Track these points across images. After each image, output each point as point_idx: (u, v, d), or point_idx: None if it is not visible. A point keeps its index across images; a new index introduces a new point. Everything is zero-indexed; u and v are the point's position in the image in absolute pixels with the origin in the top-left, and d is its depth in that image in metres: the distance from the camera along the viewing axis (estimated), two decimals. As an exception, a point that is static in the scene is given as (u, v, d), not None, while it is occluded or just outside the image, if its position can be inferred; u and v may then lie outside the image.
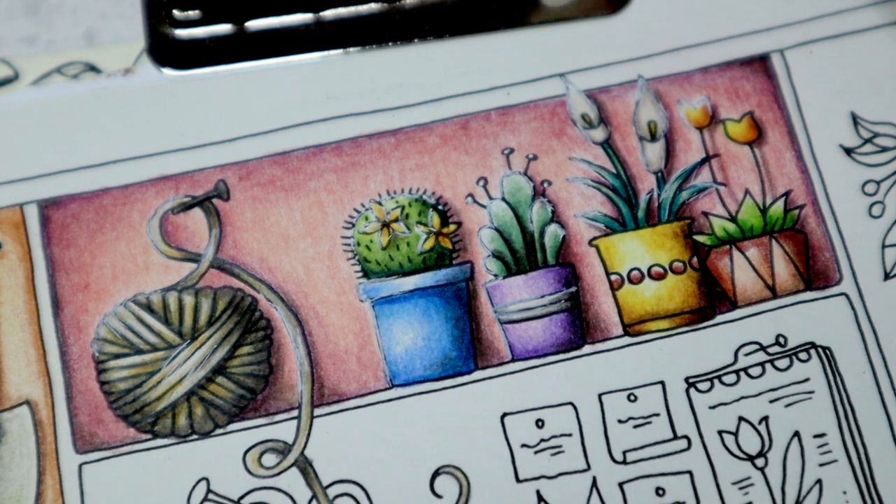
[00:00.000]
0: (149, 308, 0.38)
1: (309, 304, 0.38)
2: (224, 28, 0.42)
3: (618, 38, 0.41)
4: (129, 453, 0.37)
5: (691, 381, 0.37)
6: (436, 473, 0.36)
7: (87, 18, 0.42)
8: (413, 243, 0.39)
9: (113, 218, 0.39)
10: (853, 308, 0.38)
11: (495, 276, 0.38)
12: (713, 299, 0.38)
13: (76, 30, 0.42)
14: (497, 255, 0.39)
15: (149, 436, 0.37)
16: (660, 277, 0.38)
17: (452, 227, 0.39)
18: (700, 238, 0.39)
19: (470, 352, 0.38)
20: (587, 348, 0.38)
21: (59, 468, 0.37)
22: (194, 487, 0.36)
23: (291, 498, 0.36)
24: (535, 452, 0.37)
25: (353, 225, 0.39)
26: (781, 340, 0.37)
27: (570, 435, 0.37)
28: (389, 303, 0.38)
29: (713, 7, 0.42)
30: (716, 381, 0.37)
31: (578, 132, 0.40)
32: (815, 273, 0.38)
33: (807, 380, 0.37)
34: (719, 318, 0.38)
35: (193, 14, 0.41)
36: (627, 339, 0.38)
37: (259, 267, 0.39)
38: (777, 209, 0.39)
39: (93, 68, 0.41)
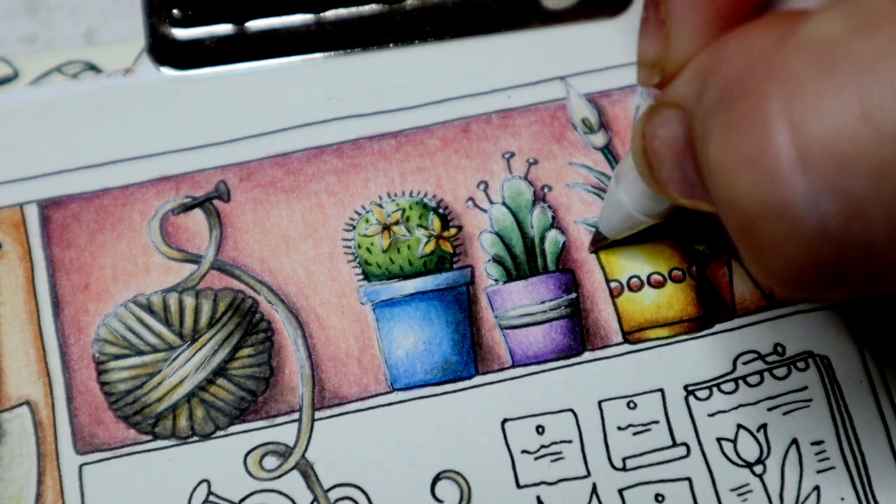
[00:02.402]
0: (149, 309, 0.38)
1: (310, 307, 0.38)
2: (224, 28, 0.41)
3: (619, 42, 0.41)
4: (130, 454, 0.37)
5: (690, 388, 0.37)
6: (437, 478, 0.36)
7: (86, 18, 0.42)
8: (414, 246, 0.39)
9: (113, 218, 0.39)
10: (850, 318, 0.38)
11: (496, 280, 0.39)
12: (712, 308, 0.38)
13: (76, 29, 0.42)
14: (497, 260, 0.39)
15: (149, 437, 0.37)
16: (659, 285, 0.38)
17: (453, 231, 0.39)
18: (699, 247, 0.39)
19: (471, 356, 0.38)
20: (587, 355, 0.38)
21: (59, 469, 0.37)
22: (195, 489, 0.36)
23: (292, 501, 0.36)
24: (536, 458, 0.37)
25: (354, 227, 0.39)
26: (779, 349, 0.38)
27: (570, 441, 0.37)
28: (390, 306, 0.38)
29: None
30: (714, 388, 0.37)
31: (579, 137, 0.40)
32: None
33: (805, 388, 0.37)
34: (718, 327, 0.38)
35: (193, 14, 0.41)
36: (627, 347, 0.38)
37: (260, 269, 0.39)
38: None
39: (92, 67, 0.41)
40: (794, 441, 0.37)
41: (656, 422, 0.37)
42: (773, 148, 0.23)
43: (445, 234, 0.39)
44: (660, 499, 0.36)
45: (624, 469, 0.37)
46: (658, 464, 0.37)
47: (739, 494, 0.36)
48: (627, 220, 0.35)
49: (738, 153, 0.24)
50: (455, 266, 0.39)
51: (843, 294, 0.25)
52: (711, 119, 0.25)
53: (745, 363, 0.38)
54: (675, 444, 0.37)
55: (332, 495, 0.36)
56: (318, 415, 0.37)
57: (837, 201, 0.22)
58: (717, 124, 0.24)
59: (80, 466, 0.37)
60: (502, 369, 0.38)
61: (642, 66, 0.30)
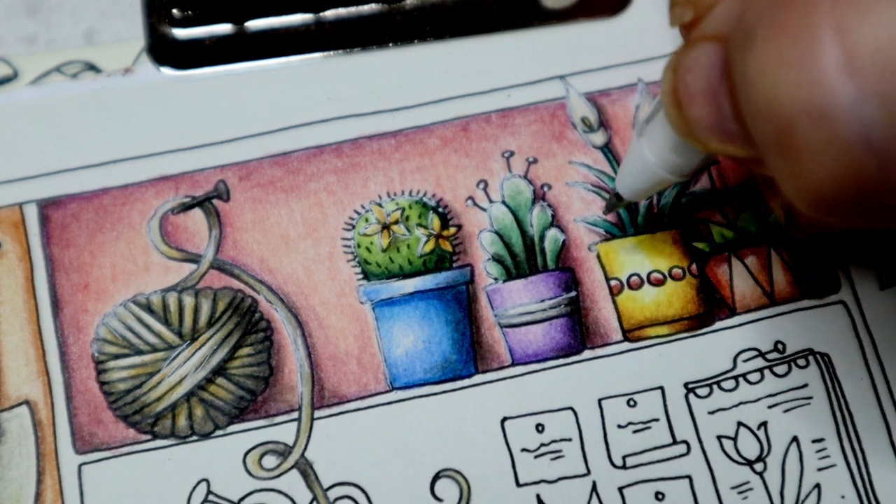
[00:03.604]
0: (149, 308, 0.38)
1: (309, 306, 0.38)
2: (224, 28, 0.41)
3: (618, 41, 0.41)
4: (129, 454, 0.37)
5: (690, 386, 0.37)
6: (436, 476, 0.36)
7: (86, 18, 0.42)
8: (413, 246, 0.39)
9: (113, 218, 0.39)
10: (851, 316, 0.38)
11: (495, 279, 0.39)
12: (712, 306, 0.38)
13: (76, 29, 0.42)
14: (497, 259, 0.39)
15: (149, 436, 0.37)
16: (659, 283, 0.38)
17: (453, 230, 0.39)
18: (699, 245, 0.39)
19: (470, 355, 0.38)
20: (587, 353, 0.38)
21: (58, 468, 0.37)
22: (194, 489, 0.36)
23: (292, 500, 0.36)
24: (536, 457, 0.37)
25: (354, 226, 0.39)
26: (780, 347, 0.38)
27: (570, 440, 0.37)
28: (390, 305, 0.38)
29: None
30: (715, 386, 0.37)
31: (578, 136, 0.40)
32: (813, 281, 0.39)
33: (805, 386, 0.37)
34: (718, 325, 0.38)
35: (193, 14, 0.41)
36: (627, 345, 0.38)
37: (259, 268, 0.39)
38: (776, 217, 0.39)
39: (92, 67, 0.41)
40: (795, 439, 0.37)
41: (656, 420, 0.37)
42: (819, 50, 0.22)
43: (445, 233, 0.39)
44: (660, 497, 0.36)
45: (624, 467, 0.37)
46: (658, 462, 0.37)
47: (740, 492, 0.36)
48: (649, 178, 0.34)
49: (780, 57, 0.23)
50: (454, 265, 0.39)
51: (877, 217, 0.24)
52: (753, 32, 0.24)
53: (745, 361, 0.38)
54: (675, 442, 0.37)
55: (332, 494, 0.36)
56: (317, 414, 0.37)
57: (882, 108, 0.22)
58: (760, 35, 0.24)
59: (80, 466, 0.37)
60: (502, 368, 0.38)
61: (675, 5, 0.29)
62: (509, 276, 0.39)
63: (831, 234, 0.39)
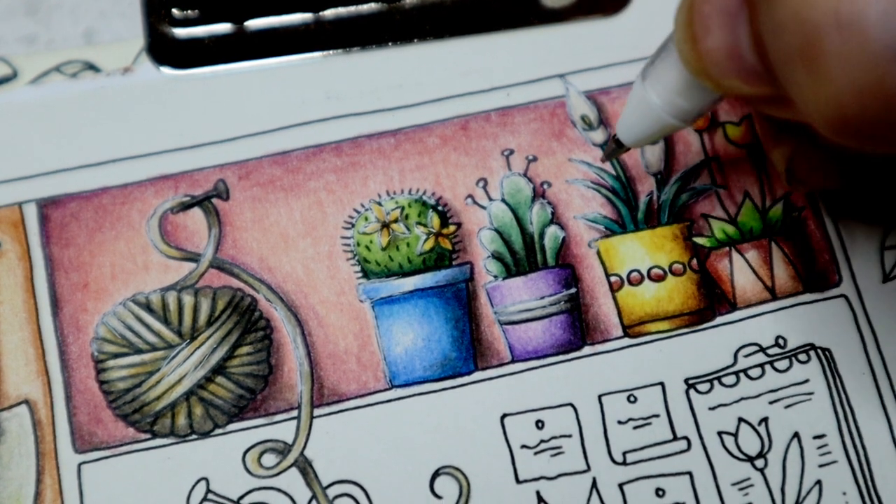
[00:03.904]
0: (148, 307, 0.38)
1: (309, 305, 0.38)
2: (224, 27, 0.41)
3: (617, 40, 0.41)
4: (129, 453, 0.37)
5: (691, 382, 0.37)
6: (436, 474, 0.36)
7: (86, 17, 0.42)
8: (413, 244, 0.39)
9: (112, 217, 0.39)
10: (852, 310, 0.38)
11: (495, 277, 0.39)
12: (713, 301, 0.38)
13: (75, 29, 0.42)
14: (497, 257, 0.39)
15: (148, 435, 0.37)
16: (659, 279, 0.38)
17: (452, 228, 0.39)
18: (699, 240, 0.39)
19: (470, 353, 0.38)
20: (587, 349, 0.38)
21: (57, 468, 0.36)
22: (194, 487, 0.36)
23: (291, 498, 0.36)
24: (535, 453, 0.37)
25: (353, 225, 0.39)
26: (781, 342, 0.38)
27: (569, 436, 0.37)
28: (389, 303, 0.38)
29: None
30: (715, 382, 0.37)
31: (578, 134, 0.40)
32: (814, 275, 0.39)
33: (806, 381, 0.37)
34: (719, 320, 0.38)
35: (193, 13, 0.41)
36: (627, 341, 0.38)
37: (258, 267, 0.39)
38: (776, 211, 0.39)
39: (92, 67, 0.41)
40: (796, 434, 0.37)
41: (657, 415, 0.37)
42: None
43: (444, 231, 0.39)
44: (660, 493, 0.36)
45: (624, 463, 0.37)
46: (658, 458, 0.37)
47: (741, 489, 0.36)
48: (652, 123, 0.33)
49: None
50: (454, 263, 0.39)
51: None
52: None
53: (746, 356, 0.37)
54: (675, 438, 0.37)
55: (331, 492, 0.36)
56: (316, 412, 0.37)
57: None
58: None
59: (79, 465, 0.37)
60: (501, 365, 0.38)
61: None
62: (509, 274, 0.39)
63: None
